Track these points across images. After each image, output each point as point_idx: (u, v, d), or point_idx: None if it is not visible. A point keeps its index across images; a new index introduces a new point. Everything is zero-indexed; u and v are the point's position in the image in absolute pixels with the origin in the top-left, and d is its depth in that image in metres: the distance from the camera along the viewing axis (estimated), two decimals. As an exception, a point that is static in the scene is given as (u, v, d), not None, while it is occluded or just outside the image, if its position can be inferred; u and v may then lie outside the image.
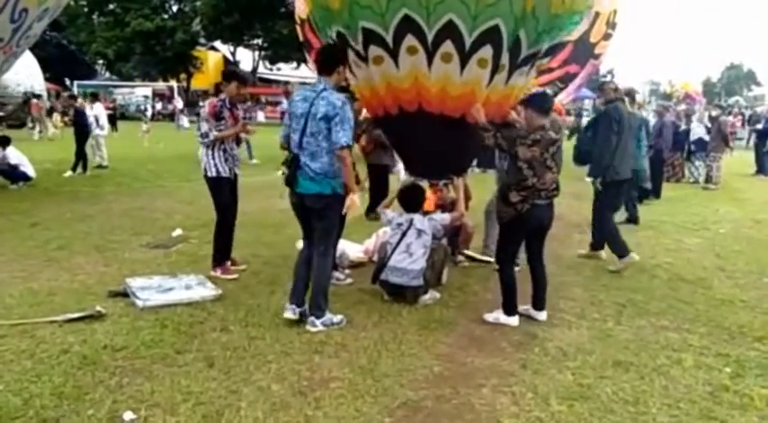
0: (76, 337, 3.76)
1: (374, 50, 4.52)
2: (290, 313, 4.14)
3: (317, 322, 4.05)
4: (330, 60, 4.02)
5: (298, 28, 9.68)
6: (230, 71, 5.73)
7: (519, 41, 4.38)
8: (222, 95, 5.26)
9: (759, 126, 16.18)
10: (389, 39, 4.37)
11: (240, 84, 5.28)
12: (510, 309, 4.27)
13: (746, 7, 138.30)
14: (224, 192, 5.24)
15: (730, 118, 14.43)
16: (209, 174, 5.19)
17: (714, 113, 13.35)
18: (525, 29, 4.31)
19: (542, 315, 4.36)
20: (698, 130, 12.76)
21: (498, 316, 4.28)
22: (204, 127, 5.14)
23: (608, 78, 24.39)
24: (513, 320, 4.24)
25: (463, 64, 4.38)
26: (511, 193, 4.12)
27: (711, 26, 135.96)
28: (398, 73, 4.55)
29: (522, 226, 4.21)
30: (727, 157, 13.02)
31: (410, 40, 4.33)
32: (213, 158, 5.15)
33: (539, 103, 4.26)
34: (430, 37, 4.28)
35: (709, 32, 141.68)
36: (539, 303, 4.38)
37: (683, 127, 12.54)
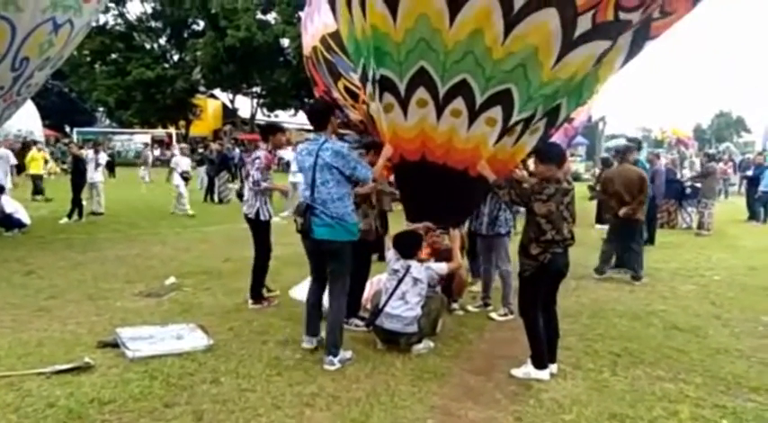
0: (63, 390, 3.70)
1: (387, 98, 4.62)
2: (308, 344, 4.50)
3: (335, 360, 4.24)
4: (320, 118, 4.39)
5: (305, 64, 9.96)
6: (272, 125, 6.66)
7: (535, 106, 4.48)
8: (268, 146, 5.95)
9: (749, 172, 16.38)
10: (402, 88, 4.47)
11: (283, 132, 6.10)
12: (540, 361, 4.15)
13: (735, 56, 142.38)
14: (269, 232, 5.87)
15: (720, 164, 14.62)
16: (261, 217, 5.75)
17: (704, 161, 13.55)
18: (535, 94, 4.40)
19: (553, 368, 4.26)
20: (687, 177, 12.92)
21: (529, 370, 4.16)
22: (258, 176, 5.74)
23: (600, 126, 24.75)
24: (545, 374, 4.11)
25: (471, 121, 4.46)
26: (531, 246, 4.13)
27: (701, 75, 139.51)
28: (406, 123, 4.64)
29: (543, 275, 4.17)
30: (720, 203, 13.12)
31: (421, 92, 4.43)
32: (266, 204, 5.80)
33: (553, 155, 4.21)
34: (441, 92, 4.38)
35: (699, 81, 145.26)
36: (550, 355, 4.29)
37: (679, 175, 12.69)
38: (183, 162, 14.10)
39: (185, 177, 13.63)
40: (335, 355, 4.25)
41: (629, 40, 4.42)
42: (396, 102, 4.55)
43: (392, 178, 5.76)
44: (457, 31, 4.02)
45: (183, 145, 18.67)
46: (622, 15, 3.89)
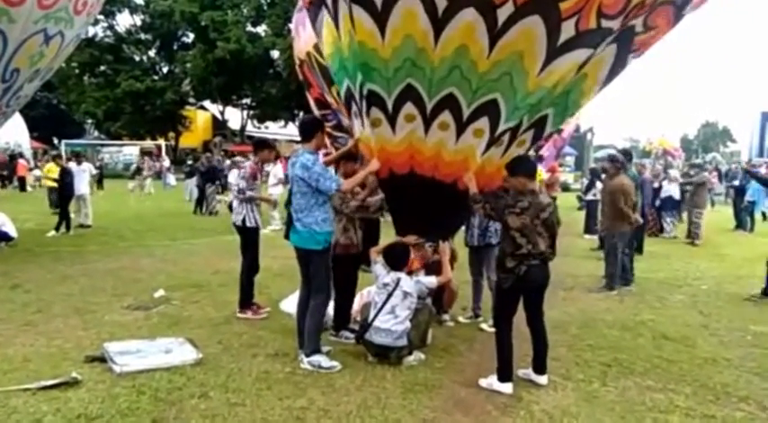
0: (50, 406, 3.65)
1: (375, 113, 4.64)
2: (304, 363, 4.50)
3: (305, 360, 4.44)
4: (307, 131, 4.67)
5: (297, 68, 9.99)
6: (261, 140, 6.77)
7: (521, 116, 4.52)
8: (256, 159, 6.26)
9: (736, 182, 16.57)
10: (390, 103, 4.50)
11: (270, 149, 6.27)
12: (504, 375, 4.16)
13: (720, 67, 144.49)
14: (256, 240, 5.97)
15: (706, 174, 14.76)
16: (248, 224, 5.88)
17: (692, 173, 13.64)
18: (521, 103, 4.44)
19: (543, 379, 4.27)
20: (669, 188, 13.04)
21: (492, 382, 4.18)
22: (243, 184, 5.96)
23: (588, 137, 24.98)
24: (507, 388, 4.12)
25: (459, 133, 4.49)
26: (506, 259, 4.15)
27: (687, 86, 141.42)
28: (394, 137, 4.65)
29: (520, 287, 4.18)
30: (707, 212, 13.23)
31: (409, 107, 4.45)
32: (253, 211, 5.93)
33: (526, 168, 4.29)
34: (429, 106, 4.41)
35: (686, 92, 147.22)
36: (539, 367, 4.30)
37: (656, 184, 12.82)
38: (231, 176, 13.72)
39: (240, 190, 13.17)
40: (307, 356, 4.45)
41: (614, 55, 4.48)
42: (383, 117, 4.57)
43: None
44: (442, 48, 4.06)
45: (239, 158, 18.09)
46: (604, 23, 3.95)
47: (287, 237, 4.81)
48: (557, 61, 4.12)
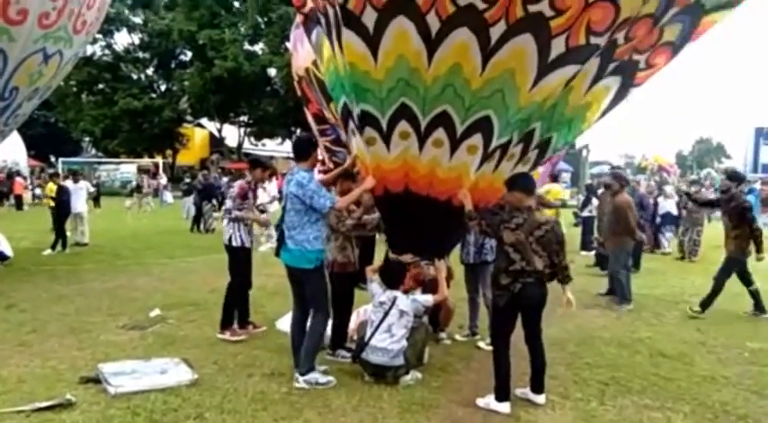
0: (44, 429, 3.62)
1: (369, 132, 4.68)
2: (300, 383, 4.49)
3: (301, 379, 4.44)
4: (303, 150, 4.71)
5: (295, 84, 10.07)
6: (254, 159, 6.64)
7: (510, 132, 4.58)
8: (249, 178, 6.11)
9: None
10: (384, 123, 4.53)
11: (264, 169, 6.16)
12: (502, 394, 4.14)
13: (713, 83, 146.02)
14: (243, 260, 5.85)
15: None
16: (233, 243, 5.78)
17: (693, 189, 13.70)
18: (513, 119, 4.50)
19: (541, 398, 4.25)
20: (665, 204, 13.08)
21: (489, 401, 4.15)
22: (229, 204, 5.89)
23: (584, 153, 25.07)
24: (504, 407, 4.10)
25: (453, 150, 4.53)
26: (501, 276, 4.15)
27: (681, 102, 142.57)
28: (389, 155, 4.69)
29: (516, 305, 4.17)
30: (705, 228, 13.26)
31: (403, 125, 4.49)
32: (239, 231, 5.80)
33: (523, 183, 4.31)
34: (423, 124, 4.45)
35: (680, 108, 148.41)
36: (537, 386, 4.28)
37: (651, 201, 12.85)
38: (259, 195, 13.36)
39: (261, 210, 12.91)
40: (302, 375, 4.45)
41: (617, 87, 4.64)
42: (378, 135, 4.62)
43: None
44: (435, 68, 4.11)
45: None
46: (593, 39, 4.02)
47: (278, 254, 4.78)
48: (547, 77, 4.19)
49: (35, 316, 6.50)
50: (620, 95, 4.80)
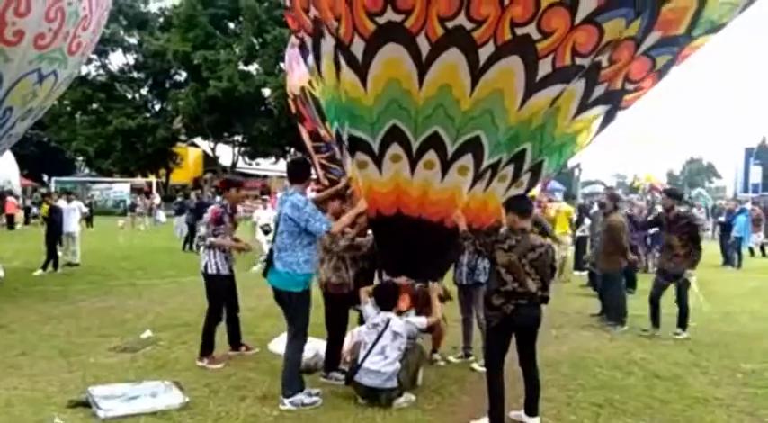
0: (31, 454, 3.56)
1: (360, 156, 4.72)
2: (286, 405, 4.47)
3: (286, 401, 4.41)
4: (299, 172, 4.78)
5: (290, 102, 10.15)
6: (227, 180, 6.22)
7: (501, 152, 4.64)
8: (224, 201, 5.81)
9: (722, 218, 16.75)
10: (376, 146, 4.58)
11: (238, 188, 5.85)
12: (495, 417, 4.11)
13: (703, 104, 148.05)
14: (219, 288, 5.64)
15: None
16: (209, 270, 5.58)
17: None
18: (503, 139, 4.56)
19: (535, 421, 4.22)
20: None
21: None
22: (203, 231, 5.67)
23: (576, 173, 25.29)
24: None
25: (444, 171, 4.57)
26: (493, 297, 4.16)
27: (671, 122, 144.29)
28: (380, 178, 4.72)
29: (509, 327, 4.17)
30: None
31: (395, 148, 4.54)
32: (214, 257, 5.58)
33: (519, 206, 4.33)
34: (414, 146, 4.49)
35: (670, 128, 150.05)
36: (531, 408, 4.25)
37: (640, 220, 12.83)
38: (264, 215, 12.71)
39: (266, 231, 12.04)
40: (287, 396, 4.43)
41: (606, 111, 4.73)
42: (369, 159, 4.66)
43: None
44: (426, 89, 4.17)
45: (266, 197, 16.43)
46: (578, 60, 4.10)
47: (265, 275, 4.74)
48: (535, 96, 4.27)
49: (24, 337, 6.43)
50: (609, 118, 4.90)
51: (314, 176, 9.20)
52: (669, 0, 4.04)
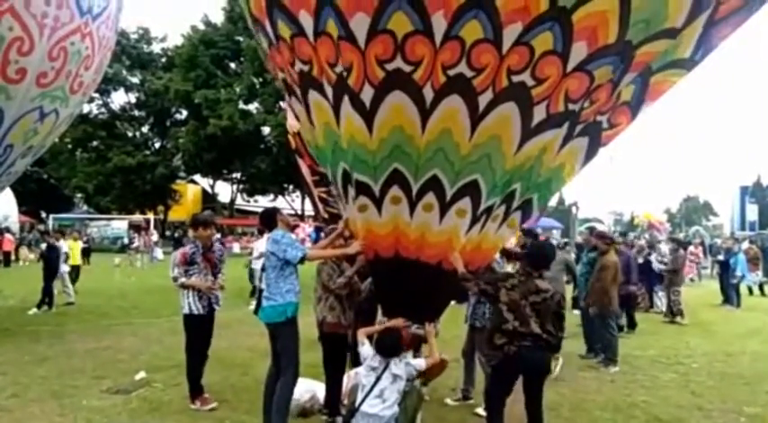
0: None
1: (361, 199, 4.76)
2: None
3: None
4: (268, 222, 4.90)
5: (290, 137, 10.26)
6: (194, 219, 6.07)
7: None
8: (197, 241, 5.68)
9: (720, 257, 16.71)
10: (377, 189, 4.62)
11: (205, 226, 5.68)
12: None
13: (698, 142, 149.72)
14: (191, 327, 5.59)
15: (691, 248, 14.90)
16: (184, 310, 5.56)
17: (670, 247, 13.72)
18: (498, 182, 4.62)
19: None
20: (657, 264, 13.10)
21: None
22: (174, 272, 5.58)
23: (573, 211, 25.39)
24: None
25: (443, 214, 4.60)
26: (495, 335, 4.13)
27: (669, 160, 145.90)
28: (380, 220, 4.75)
29: (512, 369, 4.11)
30: (693, 287, 13.26)
31: (395, 190, 4.57)
32: (187, 297, 5.54)
33: (535, 261, 4.39)
34: (415, 189, 4.54)
35: (667, 166, 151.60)
36: None
37: (641, 260, 12.76)
38: (262, 245, 12.75)
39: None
40: None
41: (586, 147, 4.80)
42: (370, 202, 4.69)
43: None
44: (428, 134, 4.24)
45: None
46: (570, 106, 4.20)
47: (256, 312, 4.78)
48: (530, 141, 4.34)
49: (16, 379, 6.32)
50: (590, 154, 4.97)
51: (311, 212, 9.25)
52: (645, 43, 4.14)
